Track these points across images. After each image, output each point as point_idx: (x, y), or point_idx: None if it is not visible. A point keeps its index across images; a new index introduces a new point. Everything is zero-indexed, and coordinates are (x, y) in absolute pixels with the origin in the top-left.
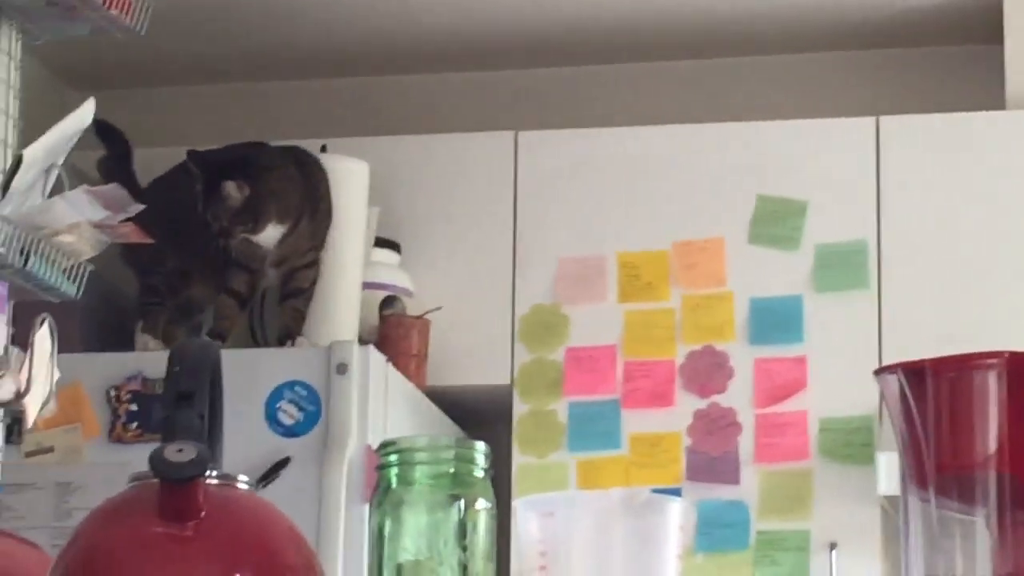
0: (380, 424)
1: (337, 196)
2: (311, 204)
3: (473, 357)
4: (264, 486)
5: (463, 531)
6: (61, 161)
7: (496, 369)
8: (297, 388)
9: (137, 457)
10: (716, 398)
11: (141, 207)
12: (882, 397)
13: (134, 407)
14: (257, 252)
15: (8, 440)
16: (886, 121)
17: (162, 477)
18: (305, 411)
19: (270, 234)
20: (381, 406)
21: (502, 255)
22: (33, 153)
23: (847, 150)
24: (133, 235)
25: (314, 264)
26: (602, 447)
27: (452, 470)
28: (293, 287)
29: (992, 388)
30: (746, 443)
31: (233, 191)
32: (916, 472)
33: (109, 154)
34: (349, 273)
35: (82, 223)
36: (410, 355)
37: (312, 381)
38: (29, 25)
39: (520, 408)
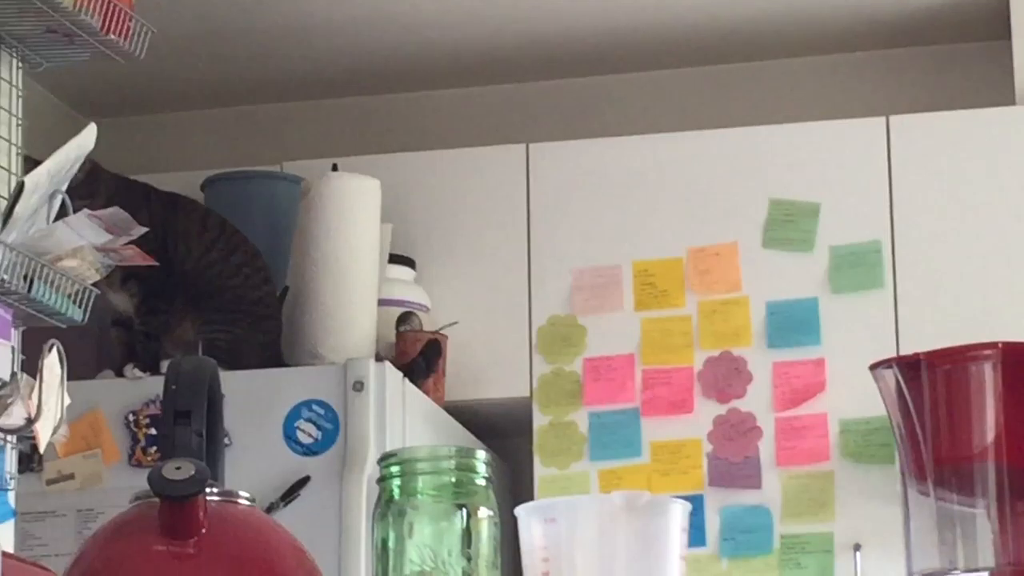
0: (399, 440)
1: (351, 214)
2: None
3: (491, 370)
4: (285, 505)
5: (467, 540)
6: (64, 187)
7: (515, 382)
8: (315, 406)
9: None
10: (735, 403)
11: (144, 229)
12: (880, 392)
13: (153, 431)
14: None
15: (29, 468)
16: (896, 120)
17: (161, 495)
18: (323, 429)
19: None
20: (399, 422)
21: (517, 268)
22: (35, 179)
23: (858, 151)
24: (136, 258)
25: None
26: (623, 456)
27: (454, 479)
28: None
29: (988, 378)
30: (767, 447)
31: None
32: (915, 465)
33: None
34: (364, 290)
35: (85, 247)
36: None
37: (329, 399)
38: (29, 53)
39: (540, 420)
